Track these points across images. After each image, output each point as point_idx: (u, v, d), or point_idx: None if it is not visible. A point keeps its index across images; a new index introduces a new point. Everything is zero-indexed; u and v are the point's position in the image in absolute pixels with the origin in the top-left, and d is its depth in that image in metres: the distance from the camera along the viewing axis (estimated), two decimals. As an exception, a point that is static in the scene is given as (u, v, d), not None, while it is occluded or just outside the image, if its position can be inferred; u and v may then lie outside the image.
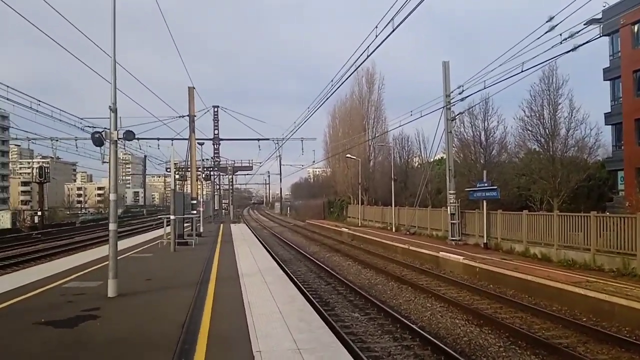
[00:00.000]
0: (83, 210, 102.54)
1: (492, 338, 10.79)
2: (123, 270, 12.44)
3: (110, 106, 10.93)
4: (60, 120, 27.96)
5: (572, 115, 28.12)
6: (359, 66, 17.78)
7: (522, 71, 17.82)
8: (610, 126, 36.81)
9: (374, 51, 14.94)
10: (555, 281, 14.17)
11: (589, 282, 13.85)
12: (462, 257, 19.65)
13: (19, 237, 40.61)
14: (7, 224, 53.06)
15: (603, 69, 37.50)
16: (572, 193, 28.56)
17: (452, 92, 25.37)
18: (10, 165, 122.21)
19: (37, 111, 25.47)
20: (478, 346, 10.29)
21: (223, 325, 8.33)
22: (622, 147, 34.41)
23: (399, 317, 12.22)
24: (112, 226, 11.18)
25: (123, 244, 23.91)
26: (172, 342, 7.25)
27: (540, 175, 28.68)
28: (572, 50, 16.55)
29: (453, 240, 25.33)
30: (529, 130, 29.68)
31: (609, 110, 37.13)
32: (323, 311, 12.44)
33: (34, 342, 7.39)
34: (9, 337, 7.66)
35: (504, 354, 9.74)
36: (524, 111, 29.52)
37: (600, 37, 16.70)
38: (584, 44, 16.22)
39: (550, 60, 18.19)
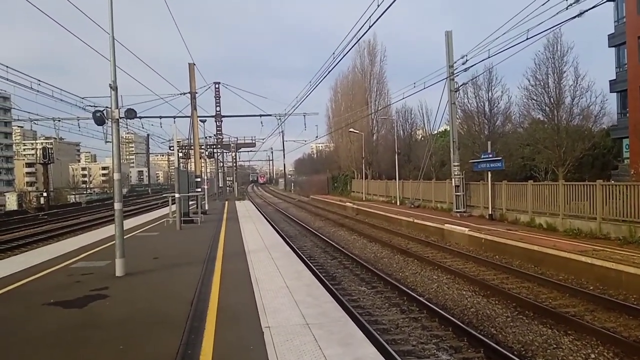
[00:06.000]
0: (88, 191, 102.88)
1: (500, 308, 10.84)
2: (130, 250, 12.48)
3: (110, 84, 10.80)
4: (62, 100, 27.89)
5: (577, 83, 27.72)
6: (361, 37, 17.46)
7: (527, 39, 17.48)
8: (615, 94, 36.36)
9: (376, 21, 14.63)
10: (561, 250, 14.18)
11: (595, 250, 13.85)
12: (467, 229, 19.66)
13: (26, 219, 40.83)
14: (14, 206, 53.35)
15: (608, 35, 36.88)
16: (576, 162, 28.38)
17: (455, 62, 25.01)
18: (14, 146, 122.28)
19: (38, 91, 25.39)
20: (485, 317, 10.34)
21: (231, 301, 8.36)
22: (627, 115, 34.06)
23: (406, 289, 12.27)
24: (117, 205, 11.18)
25: (129, 223, 23.99)
26: (182, 319, 7.28)
27: (544, 145, 28.44)
28: (578, 16, 16.21)
29: (458, 212, 25.32)
30: (534, 99, 29.32)
31: (614, 78, 36.66)
32: (330, 286, 12.51)
33: (43, 323, 7.43)
34: (18, 318, 7.71)
35: (511, 324, 9.78)
36: (529, 80, 29.13)
37: (605, 2, 16.28)
38: (589, 9, 15.89)
39: (555, 27, 17.82)
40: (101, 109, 11.41)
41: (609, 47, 36.98)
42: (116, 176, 11.22)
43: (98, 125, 11.86)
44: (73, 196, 79.59)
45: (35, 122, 37.29)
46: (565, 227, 18.27)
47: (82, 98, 29.85)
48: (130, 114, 11.72)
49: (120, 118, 11.26)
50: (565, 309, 10.49)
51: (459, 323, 9.41)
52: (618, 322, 9.64)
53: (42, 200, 54.28)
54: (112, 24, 10.80)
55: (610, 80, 36.74)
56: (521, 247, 15.88)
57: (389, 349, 7.95)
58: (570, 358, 7.98)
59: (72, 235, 25.00)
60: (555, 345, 8.51)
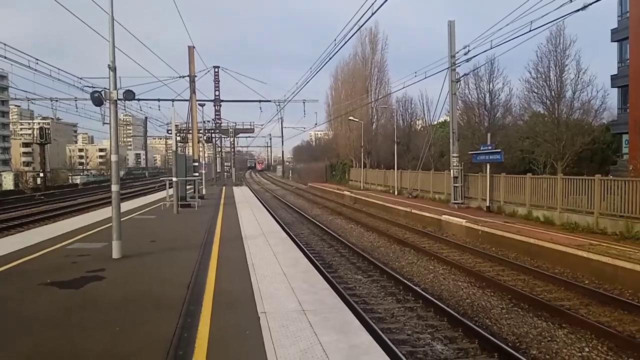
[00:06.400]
0: (85, 172, 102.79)
1: (495, 300, 10.88)
2: (127, 232, 12.45)
3: (109, 65, 10.67)
4: (60, 80, 27.61)
5: (578, 77, 27.65)
6: (363, 25, 17.30)
7: (530, 30, 17.38)
8: (617, 89, 36.25)
9: (379, 8, 14.51)
10: (557, 244, 14.20)
11: (592, 245, 13.87)
12: (464, 220, 19.68)
13: (22, 199, 40.79)
14: (10, 186, 53.29)
15: (611, 30, 36.68)
16: (576, 156, 28.39)
17: (457, 52, 24.86)
18: (10, 126, 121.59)
19: (35, 70, 25.10)
20: (481, 308, 10.37)
21: (228, 286, 8.35)
22: (628, 110, 33.99)
23: (402, 279, 12.29)
24: (114, 187, 11.12)
25: (126, 206, 23.93)
26: (178, 303, 7.27)
27: (544, 138, 28.42)
28: (582, 9, 16.10)
29: (456, 203, 25.34)
30: (535, 92, 29.26)
31: (616, 73, 36.52)
32: (327, 273, 12.53)
33: (40, 303, 7.41)
34: (14, 298, 7.69)
35: (506, 315, 9.82)
36: (530, 72, 29.04)
37: (610, -5, 16.22)
38: (593, 2, 15.78)
39: (559, 19, 17.68)
40: (99, 89, 11.30)
41: (611, 41, 36.78)
42: (113, 158, 11.13)
43: (96, 106, 11.77)
44: (77, 177, 79.52)
45: (33, 101, 36.95)
46: (563, 220, 18.29)
47: (80, 78, 29.61)
48: (129, 95, 11.59)
49: (119, 99, 11.14)
50: (561, 302, 10.52)
51: (454, 313, 9.44)
52: (612, 316, 9.68)
53: (38, 181, 54.17)
54: (112, 3, 10.66)
55: (611, 75, 36.59)
56: (518, 239, 15.90)
57: (384, 337, 7.96)
58: (565, 351, 8.01)
59: (68, 216, 24.96)
60: (549, 338, 8.54)
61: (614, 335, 8.40)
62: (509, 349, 7.68)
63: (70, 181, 72.63)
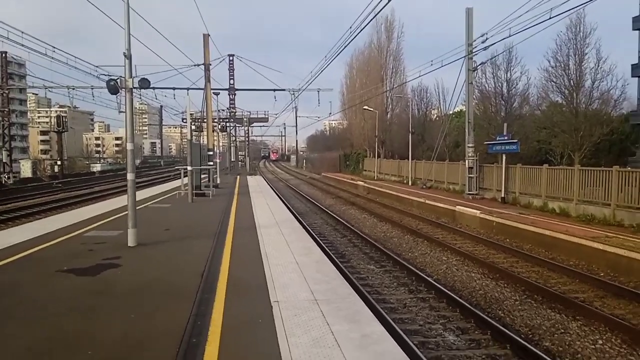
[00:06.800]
0: (101, 161, 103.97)
1: (508, 292, 10.82)
2: (142, 220, 12.59)
3: (124, 52, 10.71)
4: (76, 68, 27.92)
5: (598, 66, 27.07)
6: (379, 12, 17.10)
7: (549, 18, 17.07)
8: (637, 78, 35.55)
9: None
10: (573, 236, 14.07)
11: (608, 237, 13.72)
12: (479, 211, 19.55)
13: (40, 186, 41.42)
14: (28, 173, 54.15)
15: (632, 18, 35.88)
16: (593, 147, 27.96)
17: (474, 40, 24.57)
18: (28, 114, 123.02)
19: (52, 58, 25.46)
20: (494, 299, 10.33)
21: (241, 275, 8.43)
22: (649, 101, 33.34)
23: (415, 269, 12.28)
24: (130, 176, 11.22)
25: (141, 194, 24.19)
26: (192, 291, 7.36)
27: (562, 129, 28.01)
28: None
29: (470, 194, 25.18)
30: (553, 81, 28.74)
31: (636, 62, 35.78)
32: (339, 263, 12.56)
33: (57, 289, 7.56)
34: (33, 284, 7.84)
35: (519, 307, 9.77)
36: (549, 61, 28.50)
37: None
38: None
39: (580, 7, 17.36)
40: (115, 77, 11.34)
41: (632, 29, 36.02)
42: (129, 146, 11.22)
43: (112, 94, 11.83)
44: (97, 165, 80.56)
45: (50, 89, 37.39)
46: (579, 212, 18.10)
47: (96, 66, 29.92)
48: (144, 83, 11.64)
49: (134, 87, 11.21)
50: (575, 295, 10.44)
51: (466, 304, 9.42)
52: (627, 309, 9.59)
53: (56, 169, 54.93)
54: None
55: (632, 64, 35.88)
56: (532, 231, 15.78)
57: (396, 327, 7.98)
58: (578, 343, 7.96)
59: (85, 204, 25.30)
60: (563, 330, 8.49)
61: (629, 328, 8.31)
62: (521, 340, 7.66)
63: (90, 169, 73.70)
